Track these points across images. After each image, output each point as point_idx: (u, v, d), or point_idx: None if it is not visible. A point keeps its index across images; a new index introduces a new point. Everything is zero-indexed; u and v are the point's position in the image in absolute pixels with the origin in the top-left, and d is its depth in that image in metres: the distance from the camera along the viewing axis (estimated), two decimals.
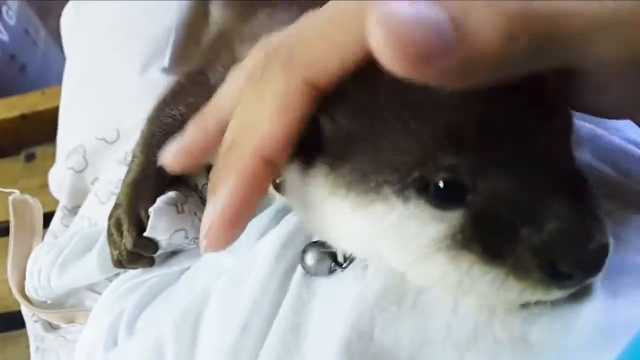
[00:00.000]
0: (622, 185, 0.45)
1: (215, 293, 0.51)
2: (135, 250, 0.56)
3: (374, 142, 0.33)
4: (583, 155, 0.50)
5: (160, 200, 0.56)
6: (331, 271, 0.44)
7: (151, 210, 0.55)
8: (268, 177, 0.32)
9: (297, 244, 0.48)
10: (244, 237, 0.55)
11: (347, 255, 0.43)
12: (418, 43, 0.25)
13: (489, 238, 0.31)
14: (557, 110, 0.33)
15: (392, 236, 0.34)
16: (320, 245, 0.45)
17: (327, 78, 0.30)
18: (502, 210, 0.31)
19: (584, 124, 0.55)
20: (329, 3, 0.32)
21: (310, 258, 0.45)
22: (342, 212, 0.35)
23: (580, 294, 0.33)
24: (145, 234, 0.55)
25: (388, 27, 0.25)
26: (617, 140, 0.54)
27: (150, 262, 0.59)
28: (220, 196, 0.32)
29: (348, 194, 0.34)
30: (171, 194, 0.57)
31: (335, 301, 0.42)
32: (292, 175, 0.37)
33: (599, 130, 0.54)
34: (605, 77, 0.31)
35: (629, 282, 0.34)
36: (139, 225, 0.56)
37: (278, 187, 0.43)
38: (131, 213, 0.56)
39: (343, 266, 0.44)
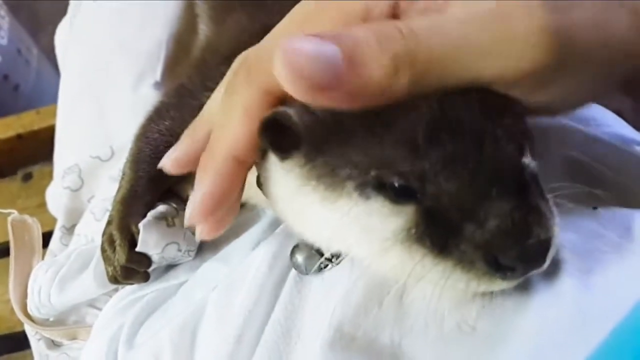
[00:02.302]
0: (604, 175, 0.47)
1: (210, 304, 0.52)
2: (129, 265, 0.57)
3: (343, 137, 0.36)
4: (567, 151, 0.51)
5: (149, 214, 0.56)
6: (321, 268, 0.46)
7: (140, 225, 0.55)
8: (240, 173, 0.38)
9: (288, 253, 0.49)
10: (237, 247, 0.57)
11: (332, 251, 0.45)
12: (311, 77, 0.31)
13: (436, 234, 0.34)
14: (504, 113, 0.35)
15: (356, 229, 0.36)
16: (307, 245, 0.47)
17: (282, 87, 0.33)
18: (448, 209, 0.33)
19: (567, 122, 0.56)
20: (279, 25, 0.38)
21: (300, 256, 0.47)
22: (312, 204, 0.38)
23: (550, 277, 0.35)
24: (137, 249, 0.56)
25: (287, 62, 0.31)
26: (604, 135, 0.55)
27: (145, 278, 0.59)
28: (198, 193, 0.38)
29: (318, 187, 0.37)
30: (160, 208, 0.58)
31: (324, 303, 0.43)
32: (269, 169, 0.41)
33: (586, 128, 0.56)
34: (517, 87, 0.34)
35: (597, 267, 0.36)
36: (131, 241, 0.57)
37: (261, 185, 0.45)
38: (122, 229, 0.57)
39: (333, 261, 0.45)
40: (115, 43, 0.78)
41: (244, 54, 0.39)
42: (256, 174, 0.44)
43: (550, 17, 0.32)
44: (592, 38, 0.34)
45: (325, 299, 0.44)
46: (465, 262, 0.33)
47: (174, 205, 0.59)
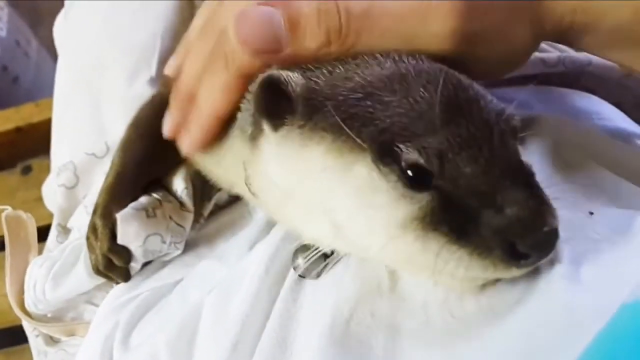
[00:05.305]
0: (603, 172, 0.46)
1: (207, 307, 0.51)
2: (110, 254, 0.57)
3: (351, 95, 0.37)
4: (567, 147, 0.50)
5: (130, 206, 0.56)
6: (324, 267, 0.45)
7: (118, 216, 0.55)
8: (219, 125, 0.46)
9: (284, 255, 0.48)
10: (234, 246, 0.57)
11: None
12: (257, 40, 0.40)
13: (455, 219, 0.34)
14: (504, 110, 0.37)
15: (363, 214, 0.36)
16: (309, 247, 0.46)
17: (257, 69, 0.42)
18: (466, 194, 0.34)
19: (569, 118, 0.55)
20: None
21: (302, 258, 0.46)
22: (312, 166, 0.38)
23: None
24: (117, 241, 0.56)
25: (238, 27, 0.40)
26: (605, 130, 0.55)
27: (125, 276, 0.59)
28: (189, 132, 0.47)
29: (320, 143, 0.37)
30: (142, 199, 0.57)
31: (318, 311, 0.43)
32: (262, 152, 0.41)
33: (588, 122, 0.55)
34: None
35: (589, 267, 0.36)
36: (113, 230, 0.56)
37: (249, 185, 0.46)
38: (105, 216, 0.57)
39: (331, 258, 0.45)
40: (109, 36, 0.76)
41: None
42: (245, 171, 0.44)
43: None
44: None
45: (320, 307, 0.43)
46: (482, 249, 0.33)
47: (158, 196, 0.58)
